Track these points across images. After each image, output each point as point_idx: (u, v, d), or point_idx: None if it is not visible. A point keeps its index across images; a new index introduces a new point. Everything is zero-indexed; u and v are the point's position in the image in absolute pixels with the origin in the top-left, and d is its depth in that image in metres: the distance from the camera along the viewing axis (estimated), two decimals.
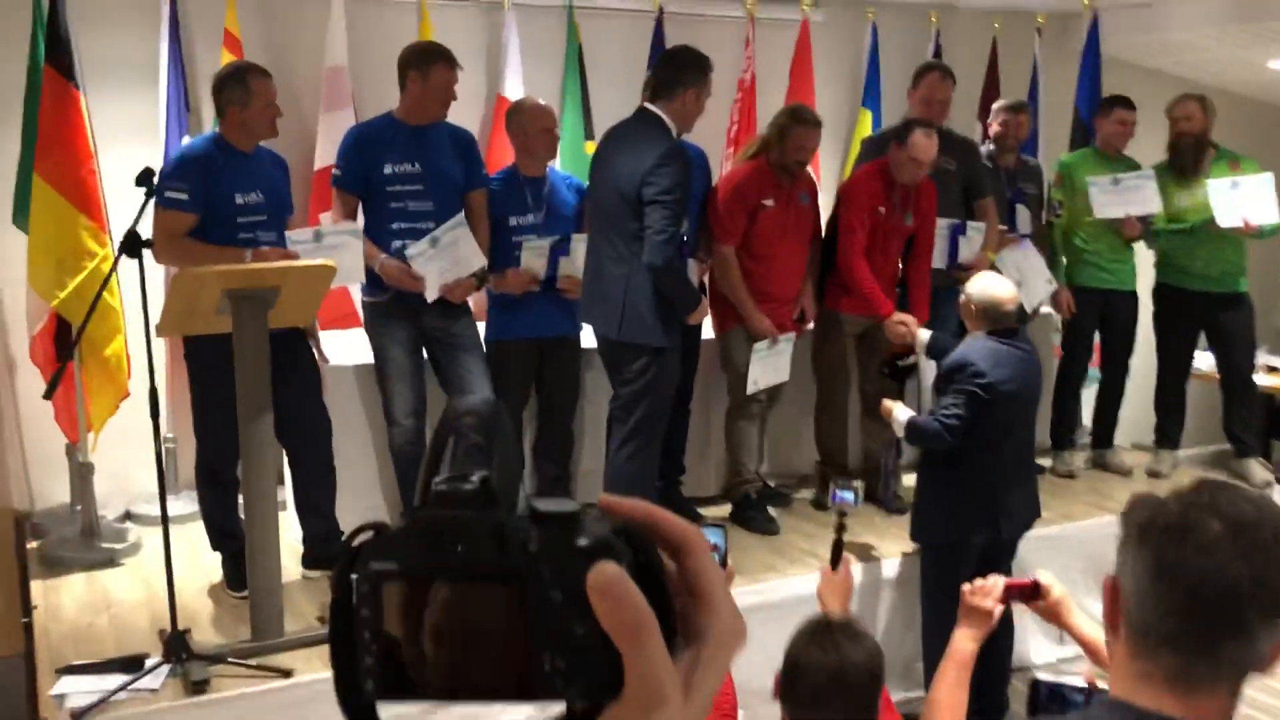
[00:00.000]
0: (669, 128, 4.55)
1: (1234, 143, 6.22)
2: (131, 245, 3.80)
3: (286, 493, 4.99)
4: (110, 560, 5.00)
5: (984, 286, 4.38)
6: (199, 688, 3.82)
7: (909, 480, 5.19)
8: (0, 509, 5.02)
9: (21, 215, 5.10)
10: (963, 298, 4.47)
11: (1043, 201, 6.18)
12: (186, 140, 5.18)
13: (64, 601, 4.64)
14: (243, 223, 4.38)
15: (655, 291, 4.48)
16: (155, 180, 3.94)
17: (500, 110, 5.81)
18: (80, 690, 3.80)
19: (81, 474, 5.10)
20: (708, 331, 5.37)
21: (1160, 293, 6.27)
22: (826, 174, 6.95)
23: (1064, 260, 6.22)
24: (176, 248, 4.27)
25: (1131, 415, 6.55)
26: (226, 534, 4.58)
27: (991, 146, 6.06)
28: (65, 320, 4.94)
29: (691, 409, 5.41)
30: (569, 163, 5.95)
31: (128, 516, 5.46)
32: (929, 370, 4.75)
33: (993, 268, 5.51)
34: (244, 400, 4.00)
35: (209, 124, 5.22)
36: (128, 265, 3.89)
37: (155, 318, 3.93)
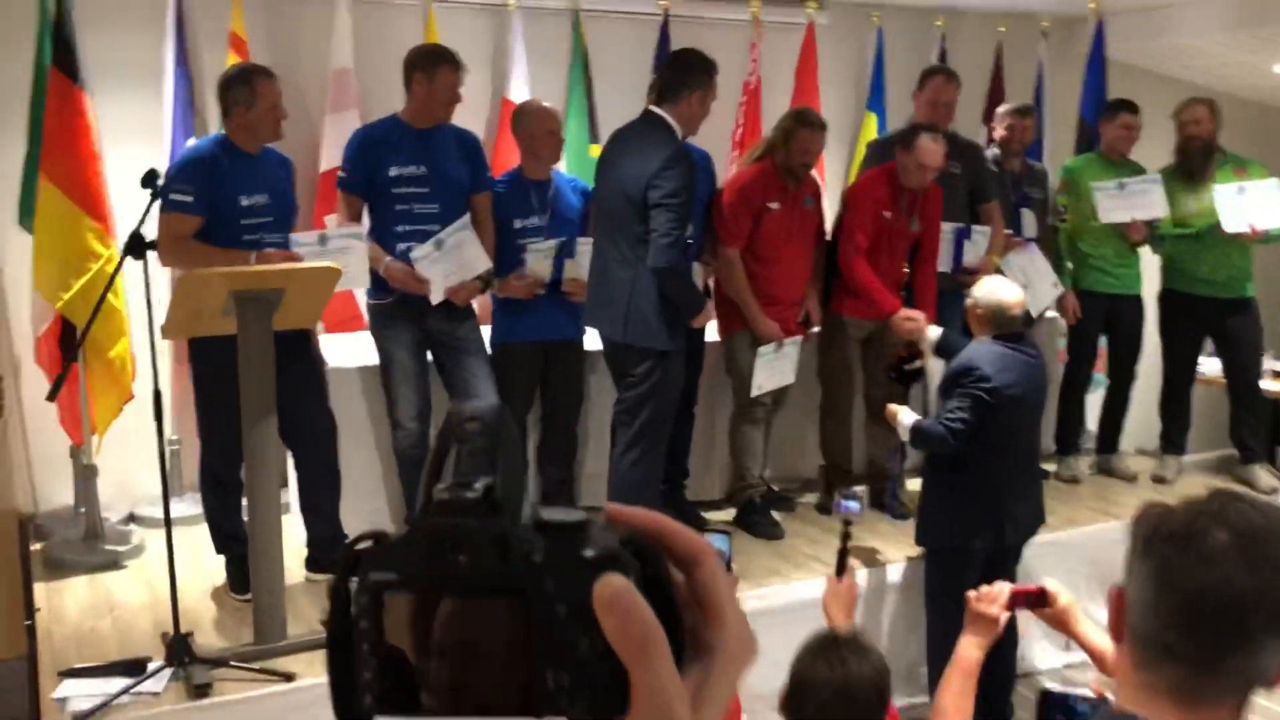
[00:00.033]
0: (674, 130, 4.54)
1: (1239, 147, 6.20)
2: (136, 247, 3.79)
3: (290, 495, 4.99)
4: (113, 563, 4.99)
5: (990, 290, 4.37)
6: (201, 691, 3.81)
7: (913, 485, 5.18)
8: (3, 511, 4.99)
9: (27, 216, 5.10)
10: (969, 301, 4.45)
11: (1048, 206, 6.16)
12: (191, 142, 5.16)
13: (67, 604, 4.63)
14: (247, 224, 4.37)
15: (660, 295, 4.47)
16: (160, 181, 3.92)
17: (505, 113, 5.82)
18: (82, 693, 3.79)
19: (85, 476, 5.10)
20: (712, 335, 5.36)
21: (1166, 298, 6.25)
22: (831, 177, 6.93)
23: (1069, 265, 6.20)
24: (181, 250, 4.26)
25: (1136, 421, 6.53)
26: (230, 537, 4.57)
27: (997, 150, 6.04)
28: (70, 322, 4.94)
29: (696, 413, 5.40)
30: (574, 165, 5.94)
31: (131, 519, 5.46)
32: (935, 373, 4.72)
33: (998, 272, 5.50)
34: (248, 402, 3.99)
35: (214, 125, 5.21)
36: (132, 267, 3.89)
37: (159, 319, 3.93)
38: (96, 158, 4.99)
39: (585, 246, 4.93)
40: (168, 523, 3.98)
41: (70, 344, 4.84)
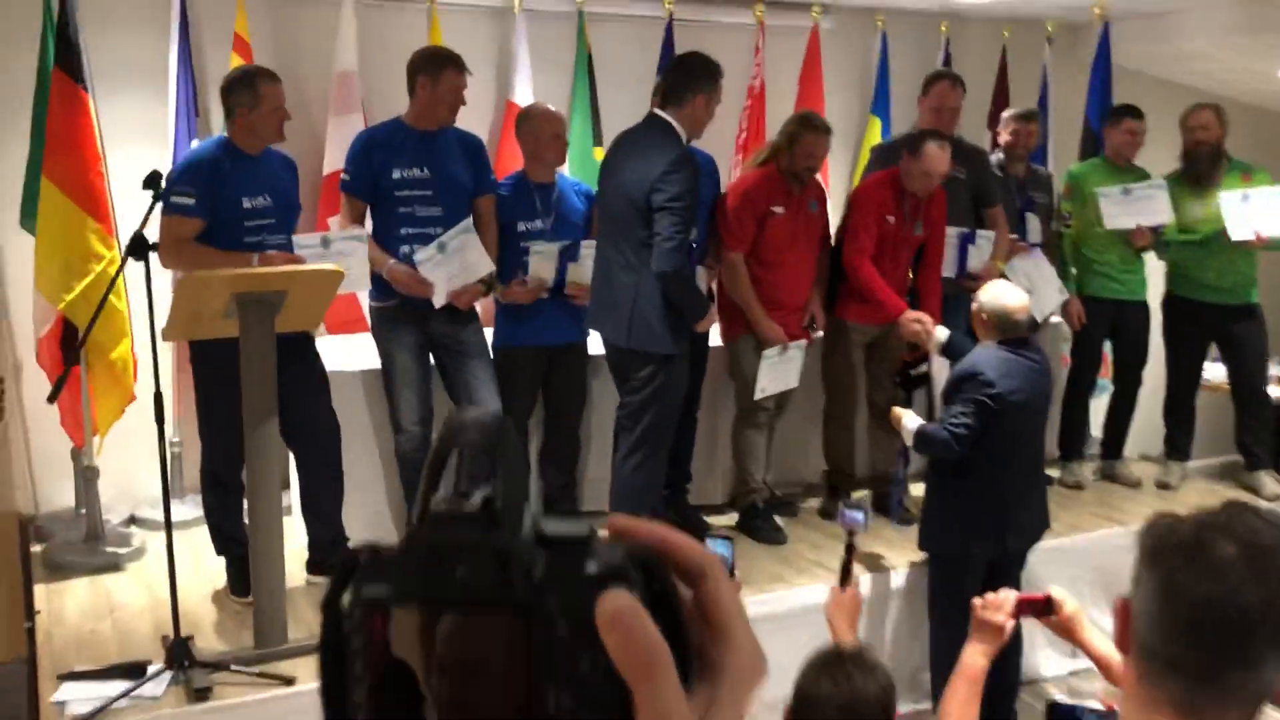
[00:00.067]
0: (679, 134, 4.53)
1: (1245, 153, 6.18)
2: (137, 248, 3.78)
3: (292, 497, 4.98)
4: (114, 565, 4.98)
5: (995, 295, 4.36)
6: (201, 695, 3.80)
7: (917, 489, 5.16)
8: (4, 512, 5.00)
9: (29, 218, 5.08)
10: (974, 306, 4.44)
11: (1053, 210, 6.14)
12: (195, 144, 5.16)
13: (67, 606, 4.62)
14: (250, 226, 4.36)
15: (664, 299, 4.45)
16: (162, 183, 3.91)
17: (509, 116, 5.80)
18: (81, 697, 3.78)
19: (86, 478, 5.08)
20: (715, 339, 5.34)
21: (1171, 304, 6.23)
22: (835, 181, 6.93)
23: (1074, 270, 6.18)
24: (182, 252, 4.25)
25: (1140, 426, 6.50)
26: (231, 539, 4.56)
27: (1001, 155, 6.03)
28: (72, 323, 4.92)
29: (698, 417, 5.38)
30: (577, 169, 5.93)
31: (132, 521, 5.44)
32: (942, 375, 4.70)
33: (1002, 276, 5.47)
34: (249, 405, 3.98)
35: (218, 127, 5.19)
36: (134, 268, 3.88)
37: (161, 321, 3.91)
38: (99, 159, 4.98)
39: (589, 250, 4.92)
40: (168, 525, 3.97)
41: (72, 345, 4.82)
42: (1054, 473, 6.01)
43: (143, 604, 4.62)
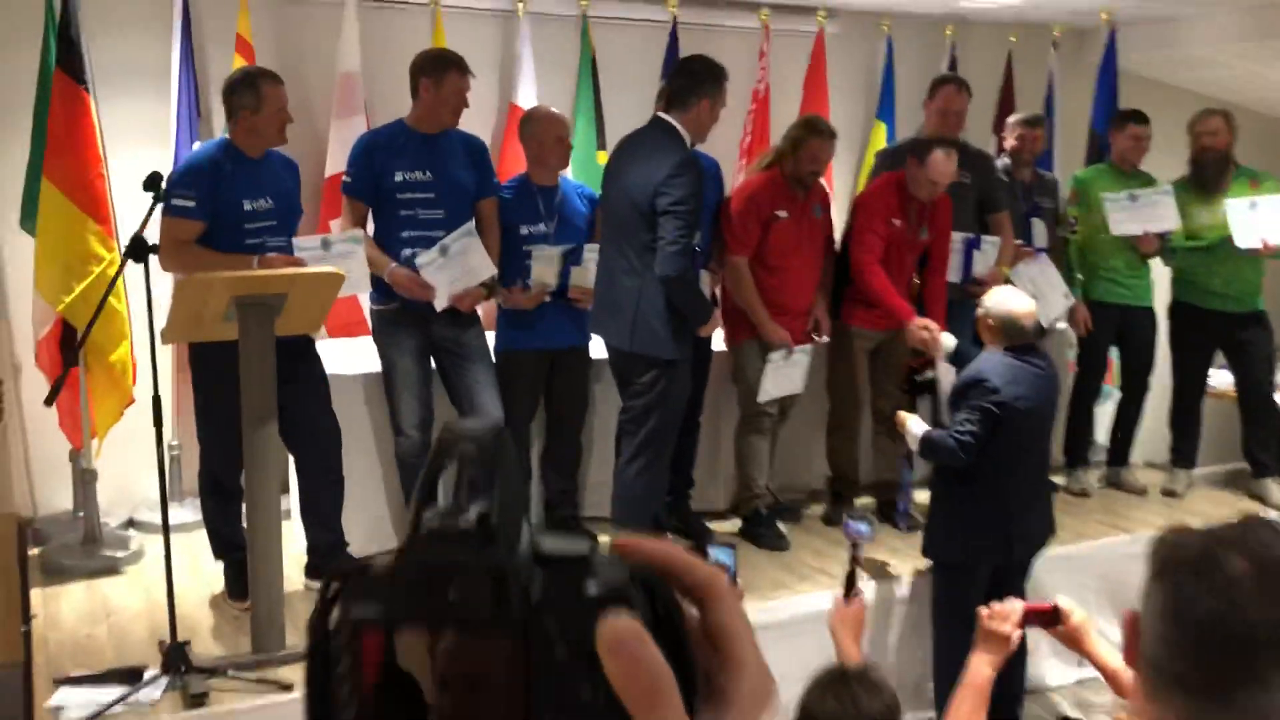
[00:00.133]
0: (683, 138, 4.50)
1: (1251, 160, 6.15)
2: (137, 250, 3.76)
3: (291, 501, 4.95)
4: (112, 568, 4.95)
5: (1001, 301, 4.33)
6: (198, 701, 3.77)
7: (922, 496, 5.13)
8: (2, 515, 4.96)
9: (29, 219, 5.07)
10: (980, 312, 4.41)
11: (1059, 216, 6.11)
12: (197, 146, 5.14)
13: (63, 610, 4.59)
14: (250, 229, 4.34)
15: (667, 303, 4.42)
16: (163, 185, 3.89)
17: (513, 119, 5.79)
18: (77, 702, 3.75)
19: (84, 480, 5.06)
20: (718, 344, 5.31)
21: (1177, 310, 6.20)
22: (840, 186, 6.91)
23: (1080, 276, 6.15)
24: (182, 254, 4.22)
25: (1145, 433, 6.47)
26: (229, 543, 4.53)
27: (1007, 160, 6.00)
28: (71, 325, 4.90)
29: (701, 422, 5.35)
30: (581, 172, 5.91)
31: (130, 524, 5.41)
32: (948, 381, 4.68)
33: (1007, 282, 5.45)
34: (249, 408, 3.95)
35: (220, 129, 5.16)
36: (134, 270, 3.85)
37: (160, 323, 3.88)
38: (100, 160, 4.96)
39: (592, 254, 4.89)
40: (165, 529, 3.94)
41: (71, 347, 4.80)
42: (1059, 480, 5.98)
43: (140, 608, 4.59)
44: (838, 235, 5.53)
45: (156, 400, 3.82)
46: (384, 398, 4.81)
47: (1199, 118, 5.96)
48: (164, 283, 4.77)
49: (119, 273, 4.12)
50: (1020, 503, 4.40)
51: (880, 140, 6.98)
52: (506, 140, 5.97)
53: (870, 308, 5.26)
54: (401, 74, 4.76)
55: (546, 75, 6.17)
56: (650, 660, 0.51)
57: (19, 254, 5.12)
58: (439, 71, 4.63)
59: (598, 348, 4.95)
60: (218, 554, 4.62)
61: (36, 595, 4.66)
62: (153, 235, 3.87)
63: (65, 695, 3.81)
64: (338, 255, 4.37)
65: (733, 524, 5.44)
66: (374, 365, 4.84)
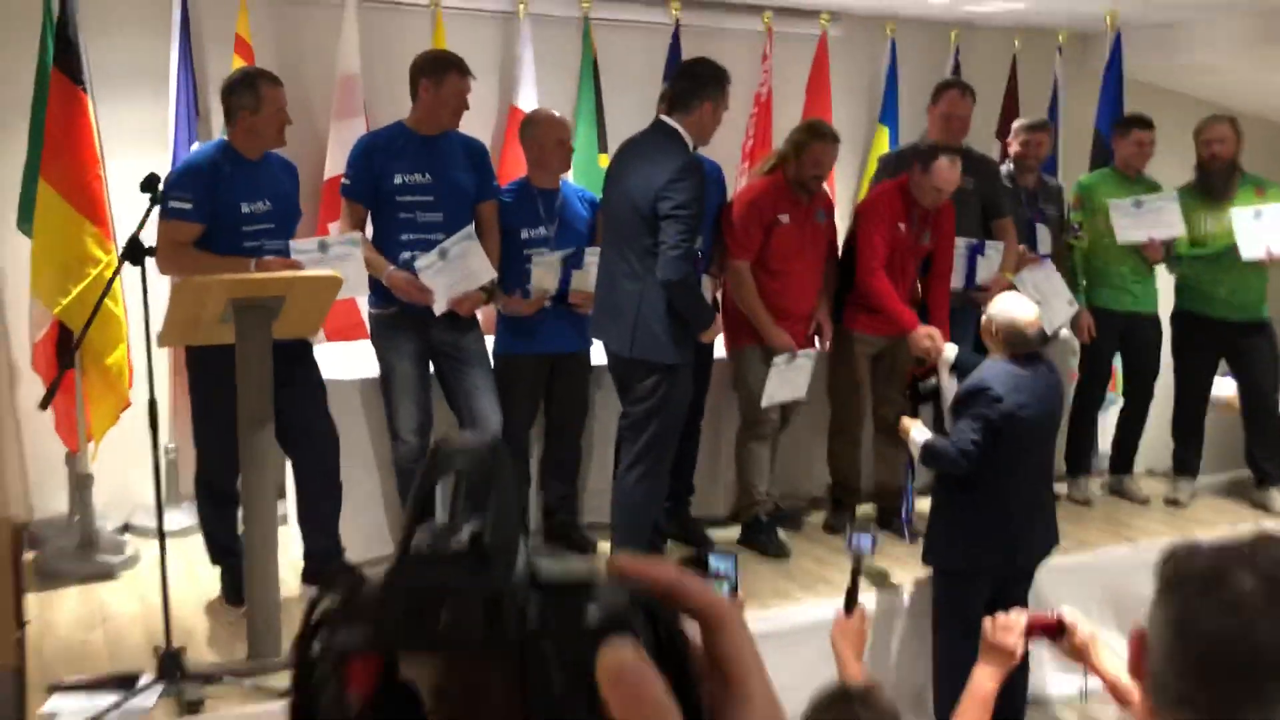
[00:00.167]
0: (685, 141, 4.46)
1: (1256, 167, 6.12)
2: (134, 253, 3.73)
3: (287, 506, 4.91)
4: (108, 573, 4.92)
5: (1005, 308, 4.29)
6: (193, 708, 3.73)
7: (923, 503, 5.10)
8: None
9: (26, 220, 5.03)
10: (984, 319, 4.38)
11: (1063, 222, 6.08)
12: (195, 147, 5.11)
13: (58, 615, 4.56)
14: (248, 231, 4.31)
15: (668, 308, 4.38)
16: (160, 186, 3.86)
17: (513, 121, 5.77)
18: (71, 709, 3.72)
19: (80, 484, 5.03)
20: (719, 349, 5.28)
21: (1180, 319, 6.16)
22: (842, 191, 6.88)
23: (1084, 282, 6.12)
24: (179, 257, 4.19)
25: (1147, 442, 6.43)
26: (225, 548, 4.50)
27: (1011, 166, 5.97)
28: (68, 328, 4.87)
29: (701, 428, 5.31)
30: (582, 176, 5.88)
31: (127, 528, 5.38)
32: (950, 390, 4.65)
33: (1011, 289, 5.42)
34: (245, 413, 3.92)
35: (219, 130, 5.14)
36: (132, 272, 3.82)
37: (157, 327, 3.85)
38: (97, 161, 4.92)
39: (593, 258, 4.87)
40: (161, 534, 3.91)
41: (67, 350, 4.77)
42: (1061, 488, 5.94)
43: (135, 613, 4.56)
44: (840, 240, 5.50)
45: (153, 404, 3.79)
46: (382, 402, 4.78)
47: (1205, 124, 5.93)
48: (161, 285, 4.74)
49: (114, 275, 4.08)
50: (1022, 511, 4.36)
51: (883, 145, 6.96)
52: (507, 143, 5.95)
53: (873, 313, 5.23)
54: (401, 75, 4.74)
55: (547, 77, 6.15)
56: (653, 693, 0.49)
57: (16, 256, 5.08)
58: (439, 73, 4.60)
59: (598, 353, 4.92)
60: (214, 559, 4.59)
61: (31, 600, 4.63)
62: (150, 237, 3.84)
63: (58, 702, 3.78)
64: (335, 258, 4.34)
65: (733, 531, 5.40)
66: (372, 369, 4.81)
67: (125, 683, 3.84)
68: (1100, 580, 5.27)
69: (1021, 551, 4.42)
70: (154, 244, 3.92)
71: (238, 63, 5.27)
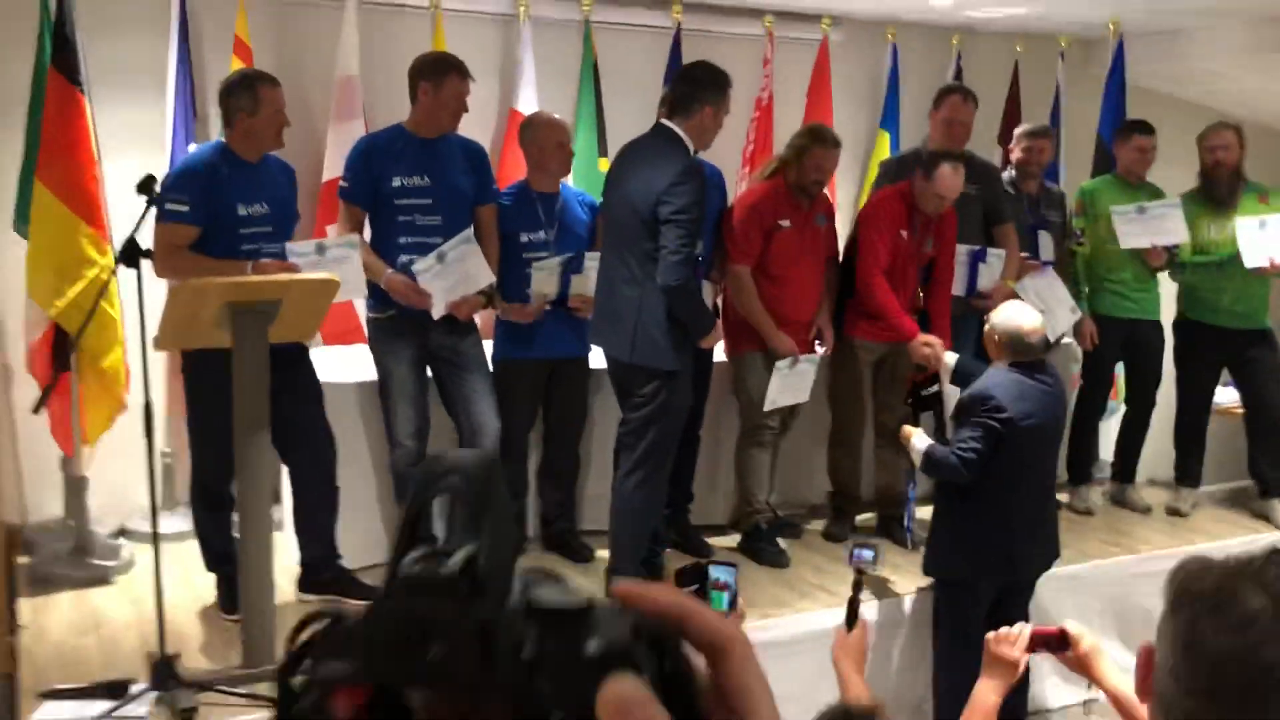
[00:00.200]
0: (686, 145, 4.43)
1: (1259, 174, 6.10)
2: (130, 255, 3.70)
3: (283, 512, 4.89)
4: (102, 578, 4.89)
5: (1009, 316, 4.26)
6: (186, 716, 3.69)
7: (923, 512, 5.07)
8: None
9: (22, 221, 5.00)
10: (987, 327, 4.35)
11: (1066, 229, 6.04)
12: (192, 148, 5.07)
13: (52, 620, 4.53)
14: (245, 234, 4.27)
15: (668, 314, 4.34)
16: (157, 188, 3.82)
17: (513, 124, 5.73)
18: (62, 717, 3.69)
19: (75, 488, 4.99)
20: (719, 355, 5.25)
21: (1183, 327, 6.13)
22: (843, 196, 6.85)
23: (1086, 289, 6.08)
24: (175, 260, 4.16)
25: (1150, 451, 6.40)
26: (220, 554, 4.46)
27: (1013, 172, 5.93)
28: (64, 330, 4.83)
29: (701, 435, 5.28)
30: (581, 179, 5.85)
31: (122, 532, 5.34)
32: (953, 397, 4.62)
33: (1013, 295, 5.39)
34: (241, 417, 3.88)
35: (217, 132, 5.11)
36: (129, 275, 3.78)
37: (153, 330, 3.81)
38: (94, 162, 4.89)
39: (593, 261, 4.83)
40: (155, 539, 3.87)
41: (63, 352, 4.73)
42: (1063, 497, 5.90)
43: (129, 619, 4.52)
44: (841, 246, 5.47)
45: (148, 408, 3.76)
46: (379, 407, 4.74)
47: (1210, 131, 5.90)
48: (157, 288, 4.71)
49: (110, 277, 4.05)
50: (1024, 521, 4.33)
51: (884, 150, 6.93)
52: (506, 146, 5.91)
53: (873, 320, 5.20)
54: (401, 78, 4.71)
55: (547, 80, 6.12)
56: None
57: (11, 257, 5.04)
58: (438, 75, 4.57)
59: (597, 358, 4.88)
60: (209, 566, 4.56)
61: (25, 605, 4.57)
62: (146, 240, 3.80)
63: (50, 710, 3.74)
64: (332, 260, 4.31)
65: (732, 539, 5.37)
66: (369, 373, 4.78)
67: (117, 690, 3.80)
68: (1101, 591, 5.24)
69: (1023, 562, 4.39)
70: (150, 246, 3.89)
71: (236, 64, 5.25)
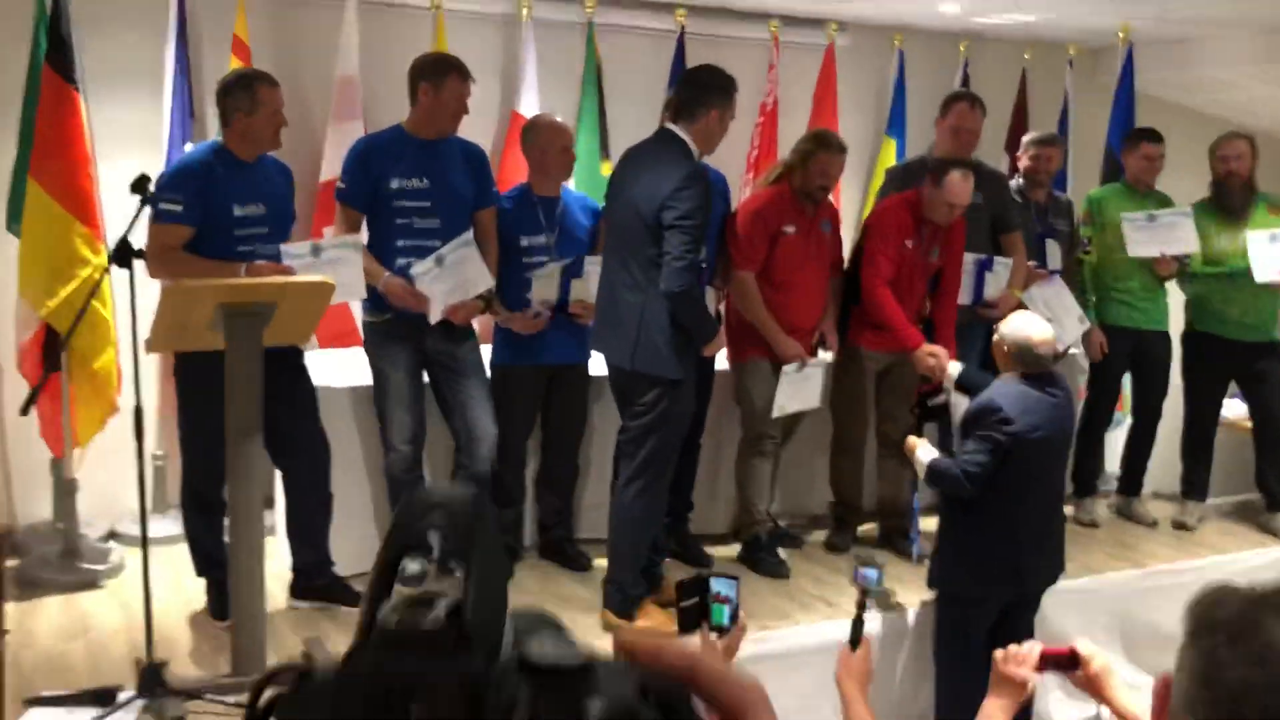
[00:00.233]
0: (690, 149, 4.35)
1: (1267, 185, 6.03)
2: (122, 255, 3.63)
3: (275, 517, 4.82)
4: (91, 582, 4.81)
5: (1018, 326, 4.19)
6: None
7: (928, 524, 5.00)
8: None
9: (14, 220, 4.94)
10: (995, 338, 4.28)
11: (1074, 238, 5.98)
12: (188, 148, 5.01)
13: (39, 625, 4.45)
14: (241, 235, 4.21)
15: (671, 321, 4.26)
16: (151, 187, 3.76)
17: (515, 127, 5.67)
18: None
19: (65, 490, 4.92)
20: (721, 363, 5.17)
21: (1191, 339, 6.06)
22: (848, 203, 6.79)
23: (1093, 298, 6.01)
24: (169, 261, 4.09)
25: (1156, 464, 6.32)
26: (211, 559, 4.39)
27: (1021, 180, 5.87)
28: (55, 330, 4.76)
29: (702, 443, 5.21)
30: (583, 183, 5.78)
31: (112, 535, 5.26)
32: (959, 407, 4.55)
33: (1020, 305, 5.32)
34: (233, 421, 3.81)
35: (214, 131, 5.05)
36: (122, 275, 3.71)
37: (145, 331, 3.74)
38: (88, 161, 4.82)
39: (593, 266, 4.76)
40: (144, 544, 3.81)
41: (54, 353, 4.67)
42: (1068, 509, 5.82)
43: (118, 625, 4.45)
44: (847, 254, 5.41)
45: (138, 411, 3.69)
46: (374, 412, 4.67)
47: (1222, 140, 5.84)
48: (150, 289, 4.65)
49: (102, 278, 3.99)
50: (1031, 535, 4.25)
51: (890, 157, 6.87)
52: (507, 149, 5.86)
53: (878, 329, 5.13)
54: (401, 79, 4.63)
55: (550, 83, 6.06)
56: None
57: (3, 256, 4.97)
58: (439, 76, 4.50)
59: (597, 364, 4.81)
60: (200, 571, 4.49)
61: (11, 609, 4.49)
62: (140, 239, 3.74)
63: (34, 717, 3.67)
64: (328, 262, 4.23)
65: (732, 548, 5.29)
66: (365, 377, 4.71)
67: (104, 697, 3.72)
68: (1106, 605, 5.17)
69: (1029, 576, 4.31)
70: (143, 246, 3.82)
71: (235, 63, 5.19)
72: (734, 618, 2.82)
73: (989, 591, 4.27)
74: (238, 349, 3.77)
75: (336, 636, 4.28)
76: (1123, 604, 5.15)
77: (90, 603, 4.66)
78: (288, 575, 4.62)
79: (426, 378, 4.67)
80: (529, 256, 4.80)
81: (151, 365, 5.28)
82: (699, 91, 4.41)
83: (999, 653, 2.57)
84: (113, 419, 4.91)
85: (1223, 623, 1.29)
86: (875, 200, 5.97)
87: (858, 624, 2.95)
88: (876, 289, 5.06)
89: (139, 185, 3.71)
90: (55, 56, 4.77)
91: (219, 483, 4.11)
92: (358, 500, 4.78)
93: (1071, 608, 4.96)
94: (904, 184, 5.36)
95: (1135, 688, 2.66)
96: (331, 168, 5.31)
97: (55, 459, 4.99)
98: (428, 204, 4.53)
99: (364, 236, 4.55)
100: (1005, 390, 4.15)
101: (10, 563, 4.88)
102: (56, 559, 4.88)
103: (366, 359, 4.69)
